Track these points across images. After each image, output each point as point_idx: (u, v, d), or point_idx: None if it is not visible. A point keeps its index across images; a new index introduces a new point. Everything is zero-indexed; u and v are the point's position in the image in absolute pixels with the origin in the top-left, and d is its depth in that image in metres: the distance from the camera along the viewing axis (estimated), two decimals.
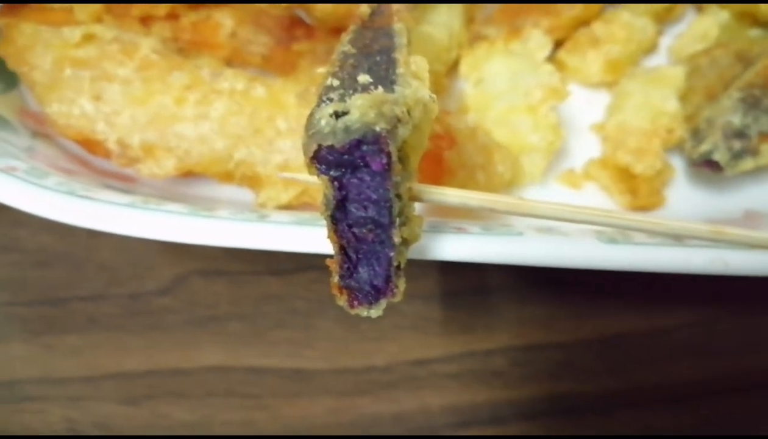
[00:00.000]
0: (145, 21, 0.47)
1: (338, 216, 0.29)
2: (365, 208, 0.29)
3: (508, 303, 0.50)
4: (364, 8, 0.40)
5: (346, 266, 0.30)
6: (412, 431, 0.48)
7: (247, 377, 0.49)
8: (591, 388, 0.49)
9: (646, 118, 0.49)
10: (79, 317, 0.50)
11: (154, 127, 0.44)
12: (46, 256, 0.51)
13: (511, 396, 0.48)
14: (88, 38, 0.45)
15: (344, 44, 0.35)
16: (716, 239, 0.34)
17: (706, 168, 0.47)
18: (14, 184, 0.39)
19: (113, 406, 0.48)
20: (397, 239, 0.29)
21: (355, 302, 0.30)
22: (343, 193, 0.29)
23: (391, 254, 0.30)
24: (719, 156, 0.46)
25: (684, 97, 0.51)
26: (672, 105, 0.49)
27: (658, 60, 0.56)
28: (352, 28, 0.38)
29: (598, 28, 0.54)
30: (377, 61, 0.32)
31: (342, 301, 0.30)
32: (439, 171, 0.42)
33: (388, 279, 0.30)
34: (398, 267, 0.30)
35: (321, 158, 0.28)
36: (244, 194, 0.47)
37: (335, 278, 0.30)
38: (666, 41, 0.56)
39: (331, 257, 0.30)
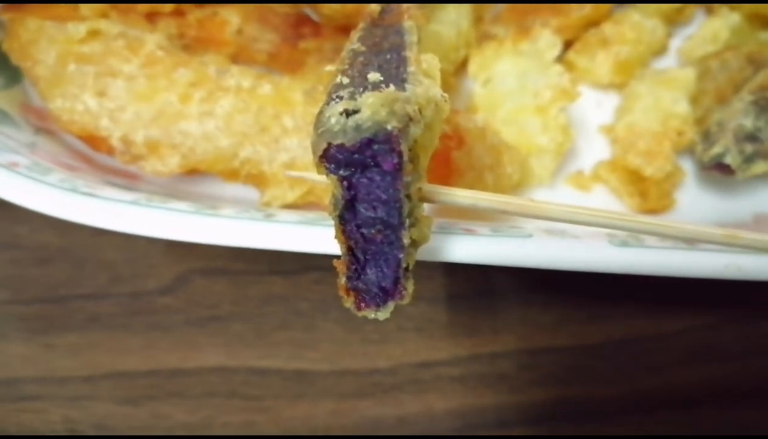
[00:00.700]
0: (151, 17, 0.47)
1: (347, 216, 0.29)
2: (374, 208, 0.29)
3: (514, 306, 0.50)
4: (374, 6, 0.40)
5: (353, 267, 0.30)
6: (416, 434, 0.47)
7: (249, 378, 0.48)
8: (598, 392, 0.48)
9: (656, 121, 0.49)
10: (80, 315, 0.49)
11: (159, 124, 0.43)
12: (46, 253, 0.50)
13: (517, 400, 0.48)
14: (93, 34, 0.44)
15: (354, 42, 0.35)
16: (730, 243, 0.34)
17: (717, 171, 0.47)
18: (16, 180, 0.38)
19: (113, 406, 0.48)
20: (406, 241, 0.29)
21: (363, 304, 0.30)
22: (353, 193, 0.28)
23: (400, 255, 0.29)
24: (731, 159, 0.45)
25: (694, 99, 0.50)
26: (682, 107, 0.49)
27: (667, 62, 0.55)
28: (361, 25, 0.37)
29: (607, 28, 0.53)
30: (388, 60, 0.32)
31: (349, 303, 0.30)
32: (447, 171, 0.42)
33: (396, 281, 0.30)
34: (407, 269, 0.30)
35: (330, 157, 0.27)
36: (249, 193, 0.46)
37: (342, 280, 0.30)
38: (675, 43, 0.56)
39: (338, 257, 0.30)
